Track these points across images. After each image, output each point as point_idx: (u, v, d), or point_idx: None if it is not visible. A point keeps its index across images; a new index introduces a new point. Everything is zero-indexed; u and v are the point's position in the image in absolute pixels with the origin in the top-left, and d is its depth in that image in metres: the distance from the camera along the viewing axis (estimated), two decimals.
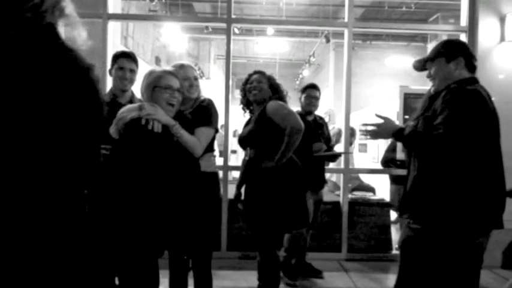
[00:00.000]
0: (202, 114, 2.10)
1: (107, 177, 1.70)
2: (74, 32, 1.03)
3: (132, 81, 2.49)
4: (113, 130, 1.76)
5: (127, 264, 1.64)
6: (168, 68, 2.14)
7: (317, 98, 3.33)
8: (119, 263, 1.63)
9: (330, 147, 3.48)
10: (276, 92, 2.53)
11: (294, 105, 2.86)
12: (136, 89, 2.54)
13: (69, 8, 1.01)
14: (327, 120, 3.78)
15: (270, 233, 2.42)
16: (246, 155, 2.55)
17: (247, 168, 2.54)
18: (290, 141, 2.33)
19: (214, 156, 2.25)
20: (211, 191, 2.16)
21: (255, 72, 2.60)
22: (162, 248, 1.78)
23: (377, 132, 1.84)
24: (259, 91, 2.49)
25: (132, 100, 2.46)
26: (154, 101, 1.84)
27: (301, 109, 3.34)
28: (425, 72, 1.90)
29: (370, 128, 1.84)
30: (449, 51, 1.81)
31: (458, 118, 1.60)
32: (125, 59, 2.45)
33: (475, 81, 1.78)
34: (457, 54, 1.79)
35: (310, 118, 3.30)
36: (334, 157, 3.53)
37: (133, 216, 1.61)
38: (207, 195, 2.11)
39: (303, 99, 3.32)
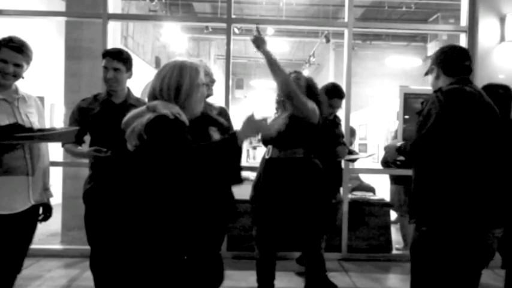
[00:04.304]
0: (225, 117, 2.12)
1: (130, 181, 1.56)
2: None
3: (117, 80, 2.33)
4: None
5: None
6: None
7: (340, 107, 3.27)
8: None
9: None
10: (312, 94, 2.51)
11: None
12: (138, 86, 2.51)
13: None
14: None
15: (284, 235, 2.44)
16: (266, 154, 2.53)
17: (266, 167, 2.52)
18: (278, 75, 2.29)
19: None
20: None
21: (295, 71, 2.64)
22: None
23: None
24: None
25: (127, 99, 2.40)
26: (194, 99, 1.59)
27: None
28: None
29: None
30: (429, 66, 1.94)
31: (439, 118, 1.64)
32: (109, 58, 2.33)
33: (463, 81, 1.79)
34: (431, 65, 1.91)
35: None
36: (356, 159, 3.51)
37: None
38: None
39: (326, 104, 3.10)
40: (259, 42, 2.25)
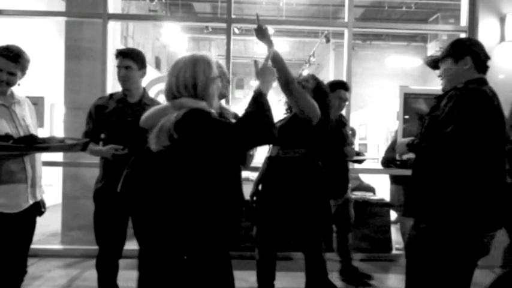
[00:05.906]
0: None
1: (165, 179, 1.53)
2: None
3: (130, 78, 2.38)
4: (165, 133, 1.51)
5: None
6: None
7: (348, 100, 3.20)
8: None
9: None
10: (320, 96, 2.48)
11: None
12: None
13: None
14: None
15: (280, 234, 2.44)
16: (268, 152, 2.54)
17: (266, 165, 2.52)
18: (282, 70, 2.19)
19: None
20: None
21: (307, 74, 2.64)
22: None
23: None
24: (302, 87, 2.46)
25: (142, 99, 2.43)
26: (212, 92, 1.60)
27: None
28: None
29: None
30: (456, 51, 1.80)
31: (464, 120, 1.61)
32: (120, 57, 2.39)
33: (481, 81, 1.77)
34: (463, 54, 1.78)
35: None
36: (363, 160, 3.50)
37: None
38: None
39: (332, 100, 2.97)
40: (262, 32, 2.24)
